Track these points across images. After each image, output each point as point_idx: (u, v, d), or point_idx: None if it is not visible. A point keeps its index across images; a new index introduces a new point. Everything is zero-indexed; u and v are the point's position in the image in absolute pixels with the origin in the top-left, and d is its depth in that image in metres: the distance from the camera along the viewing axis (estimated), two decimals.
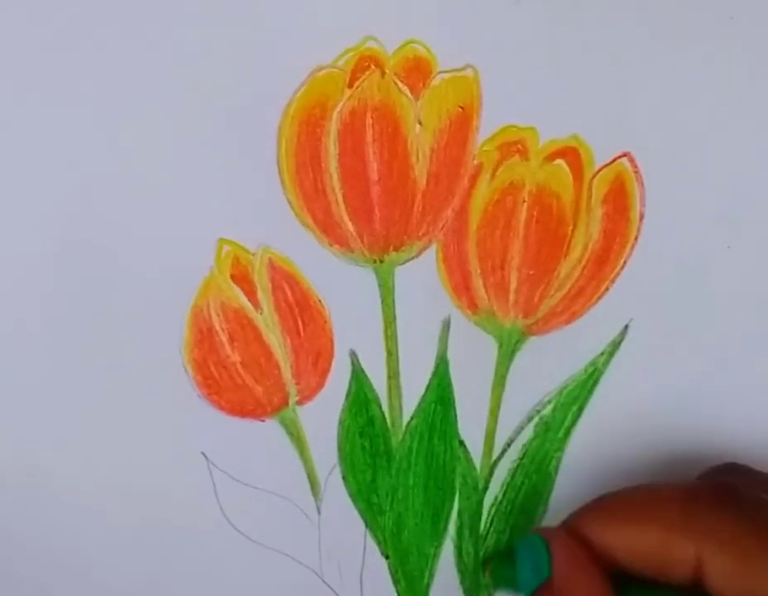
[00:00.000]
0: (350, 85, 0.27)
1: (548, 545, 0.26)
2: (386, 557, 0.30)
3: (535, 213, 0.28)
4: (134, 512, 0.30)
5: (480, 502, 0.30)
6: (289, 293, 0.28)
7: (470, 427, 0.30)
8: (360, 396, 0.29)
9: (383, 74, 0.27)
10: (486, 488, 0.30)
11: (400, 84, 0.27)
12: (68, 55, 0.26)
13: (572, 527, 0.26)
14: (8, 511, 0.29)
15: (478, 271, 0.29)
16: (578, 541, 0.25)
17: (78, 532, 0.30)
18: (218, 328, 0.28)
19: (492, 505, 0.30)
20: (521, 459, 0.30)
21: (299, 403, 0.29)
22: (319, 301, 0.29)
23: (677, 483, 0.26)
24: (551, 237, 0.28)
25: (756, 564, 0.23)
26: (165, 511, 0.30)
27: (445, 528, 0.30)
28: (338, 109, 0.27)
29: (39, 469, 0.29)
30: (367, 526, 0.30)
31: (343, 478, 0.30)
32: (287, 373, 0.29)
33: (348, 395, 0.29)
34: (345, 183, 0.28)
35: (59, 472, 0.29)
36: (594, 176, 0.28)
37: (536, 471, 0.30)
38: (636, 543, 0.24)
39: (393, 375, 0.29)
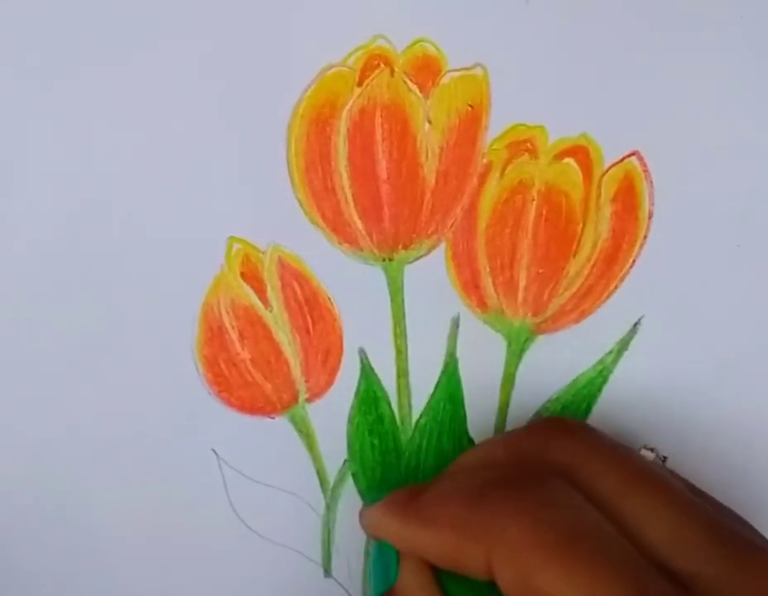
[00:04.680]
0: (359, 84, 0.27)
1: (397, 552, 0.25)
2: None
3: (544, 212, 0.28)
4: (144, 509, 0.30)
5: None
6: (298, 291, 0.29)
7: (479, 425, 0.30)
8: (369, 394, 0.29)
9: (392, 72, 0.27)
10: None
11: (409, 82, 0.27)
12: (78, 54, 0.27)
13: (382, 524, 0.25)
14: (19, 508, 0.30)
15: (487, 269, 0.29)
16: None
17: (87, 528, 0.30)
18: (228, 325, 0.29)
19: None
20: None
21: (308, 400, 0.29)
22: (329, 299, 0.29)
23: (480, 466, 0.25)
24: (560, 235, 0.28)
25: (538, 585, 0.20)
26: (176, 508, 0.30)
27: None
28: (347, 108, 0.27)
29: (50, 465, 0.29)
30: None
31: (353, 475, 0.30)
32: (297, 371, 0.29)
33: (357, 393, 0.29)
34: (354, 181, 0.28)
35: (70, 468, 0.29)
36: (603, 175, 0.28)
37: None
38: (435, 546, 0.23)
39: (402, 373, 0.29)
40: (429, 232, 0.28)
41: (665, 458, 0.26)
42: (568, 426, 0.25)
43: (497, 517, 0.22)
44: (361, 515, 0.26)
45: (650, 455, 0.26)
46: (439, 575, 0.25)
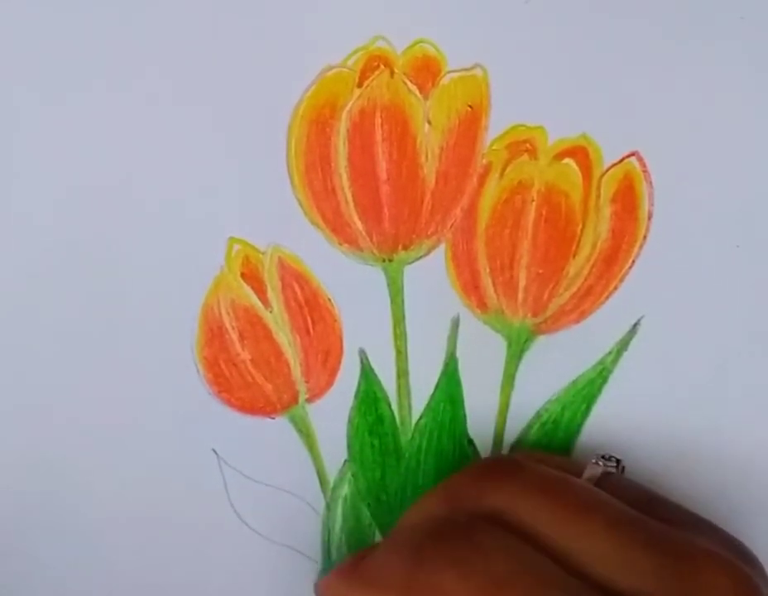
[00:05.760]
0: (359, 85, 0.27)
1: None
2: None
3: (543, 212, 0.28)
4: (145, 508, 0.30)
5: None
6: (298, 292, 0.29)
7: (479, 426, 0.30)
8: (369, 395, 0.29)
9: (392, 73, 0.27)
10: None
11: (409, 83, 0.27)
12: (77, 52, 0.27)
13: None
14: (18, 507, 0.30)
15: (487, 269, 0.29)
16: None
17: (86, 528, 0.30)
18: (228, 326, 0.29)
19: None
20: None
21: (308, 401, 0.29)
22: (329, 300, 0.29)
23: (421, 521, 0.25)
24: (560, 236, 0.28)
25: None
26: (176, 508, 0.30)
27: None
28: (347, 109, 0.27)
29: (49, 465, 0.29)
30: (376, 524, 0.30)
31: (353, 475, 0.30)
32: (297, 371, 0.29)
33: (357, 393, 0.29)
34: (354, 182, 0.28)
35: (69, 468, 0.29)
36: (603, 175, 0.28)
37: None
38: None
39: (402, 374, 0.29)
40: (429, 232, 0.28)
41: (619, 461, 0.26)
42: (502, 467, 0.25)
43: (434, 573, 0.22)
44: (315, 587, 0.27)
45: (598, 470, 0.26)
46: None
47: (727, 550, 0.23)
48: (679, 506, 0.25)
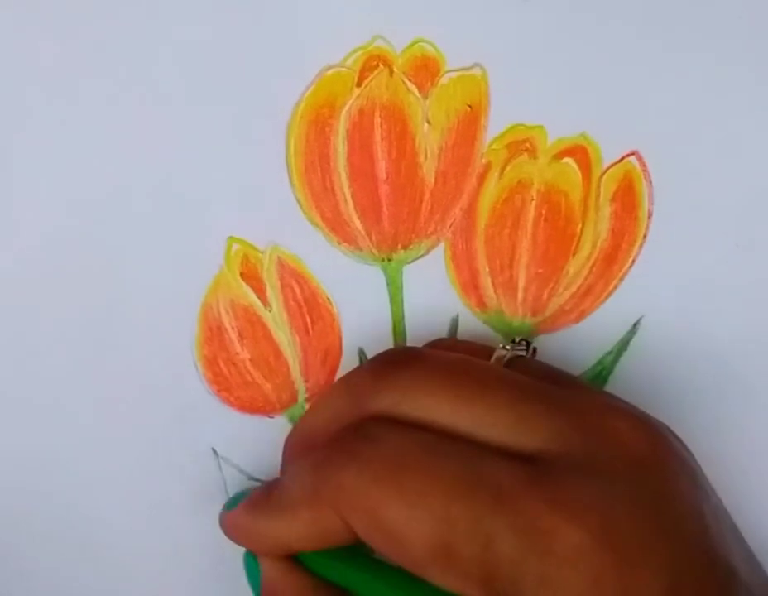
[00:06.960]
0: (359, 84, 0.27)
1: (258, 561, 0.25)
2: None
3: (543, 212, 0.28)
4: (144, 507, 0.30)
5: None
6: (297, 291, 0.29)
7: None
8: None
9: (391, 73, 0.27)
10: None
11: (408, 82, 0.27)
12: (77, 52, 0.27)
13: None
14: (18, 507, 0.30)
15: (487, 269, 0.29)
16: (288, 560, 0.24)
17: (86, 527, 0.30)
18: (227, 325, 0.29)
19: None
20: None
21: (308, 400, 0.29)
22: (328, 299, 0.29)
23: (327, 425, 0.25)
24: (559, 235, 0.28)
25: (385, 520, 0.21)
26: (176, 507, 0.30)
27: None
28: (346, 108, 0.27)
29: (49, 465, 0.29)
30: None
31: None
32: (296, 371, 0.29)
33: None
34: (353, 182, 0.28)
35: (69, 467, 0.29)
36: (602, 175, 0.28)
37: None
38: (295, 531, 0.23)
39: None
40: (429, 232, 0.28)
41: (529, 344, 0.26)
42: (400, 357, 0.25)
43: (335, 474, 0.22)
44: (221, 519, 0.26)
45: (505, 353, 0.25)
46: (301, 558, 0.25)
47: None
48: (589, 385, 0.25)
